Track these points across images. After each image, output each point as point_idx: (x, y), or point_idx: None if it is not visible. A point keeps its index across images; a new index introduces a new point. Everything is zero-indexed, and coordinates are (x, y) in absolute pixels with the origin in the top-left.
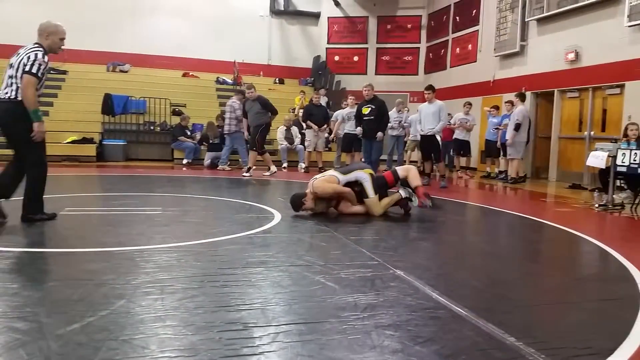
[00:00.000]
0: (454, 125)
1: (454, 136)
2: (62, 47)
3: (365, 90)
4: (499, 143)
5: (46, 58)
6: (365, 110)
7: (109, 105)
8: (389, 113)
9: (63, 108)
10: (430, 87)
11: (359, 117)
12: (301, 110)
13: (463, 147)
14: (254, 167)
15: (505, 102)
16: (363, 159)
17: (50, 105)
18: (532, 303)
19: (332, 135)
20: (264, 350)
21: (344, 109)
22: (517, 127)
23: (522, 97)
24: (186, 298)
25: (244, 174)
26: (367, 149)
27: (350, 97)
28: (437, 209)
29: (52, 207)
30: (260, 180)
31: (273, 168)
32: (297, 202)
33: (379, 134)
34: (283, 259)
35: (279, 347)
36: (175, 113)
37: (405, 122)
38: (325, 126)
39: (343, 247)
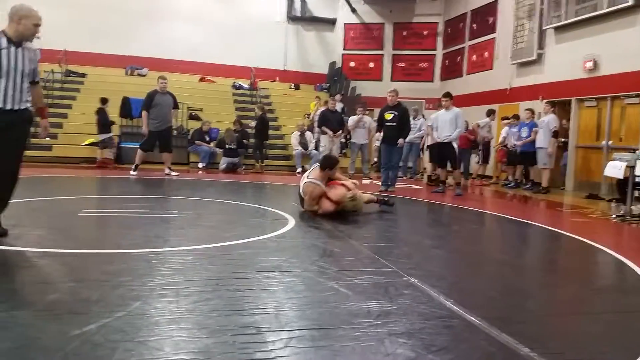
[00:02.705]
0: (478, 127)
1: (485, 140)
2: (38, 34)
3: (389, 96)
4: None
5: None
6: (388, 116)
7: (127, 108)
8: None
9: (81, 110)
10: (447, 95)
11: (380, 122)
12: (316, 116)
13: (489, 153)
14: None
15: (526, 110)
16: (382, 164)
17: (69, 108)
18: (547, 313)
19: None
20: (277, 355)
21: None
22: (556, 135)
23: (553, 105)
24: (201, 301)
25: (173, 173)
26: (386, 153)
27: (359, 108)
28: (450, 216)
29: (70, 209)
30: (272, 185)
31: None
32: (332, 161)
33: (400, 140)
34: (297, 264)
35: (292, 352)
36: (192, 117)
37: (422, 129)
38: (340, 132)
39: (357, 254)
